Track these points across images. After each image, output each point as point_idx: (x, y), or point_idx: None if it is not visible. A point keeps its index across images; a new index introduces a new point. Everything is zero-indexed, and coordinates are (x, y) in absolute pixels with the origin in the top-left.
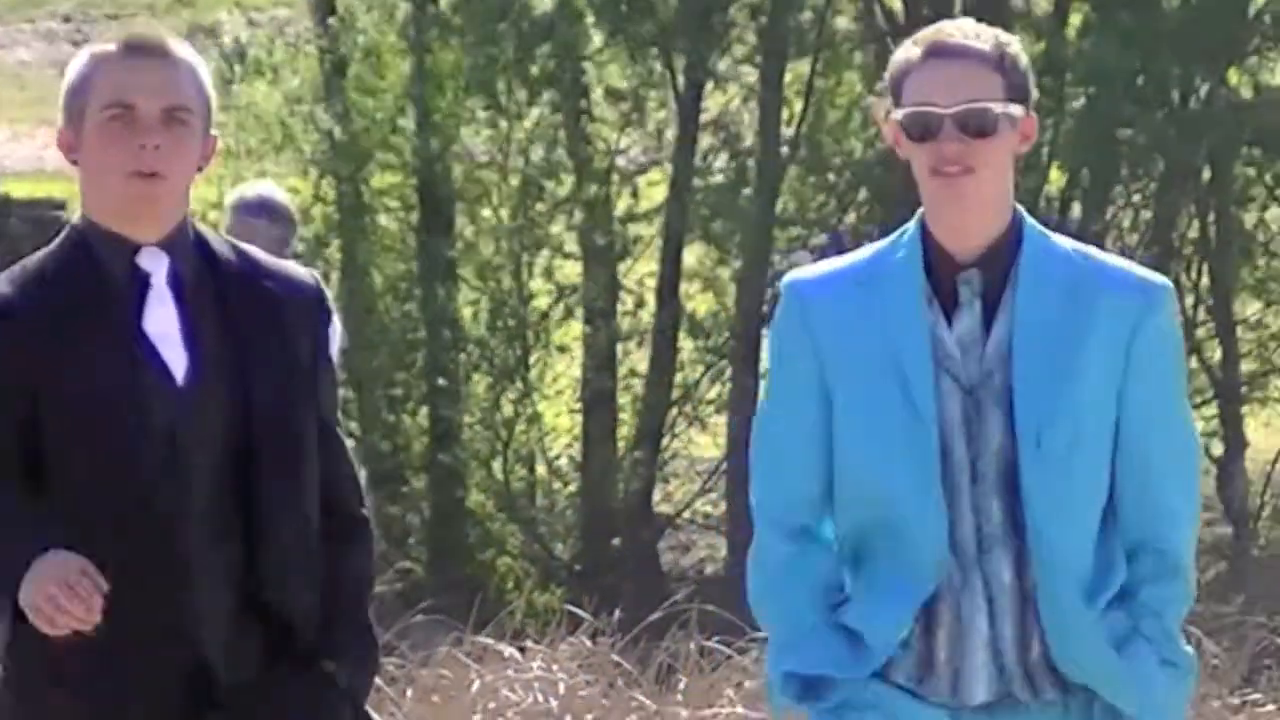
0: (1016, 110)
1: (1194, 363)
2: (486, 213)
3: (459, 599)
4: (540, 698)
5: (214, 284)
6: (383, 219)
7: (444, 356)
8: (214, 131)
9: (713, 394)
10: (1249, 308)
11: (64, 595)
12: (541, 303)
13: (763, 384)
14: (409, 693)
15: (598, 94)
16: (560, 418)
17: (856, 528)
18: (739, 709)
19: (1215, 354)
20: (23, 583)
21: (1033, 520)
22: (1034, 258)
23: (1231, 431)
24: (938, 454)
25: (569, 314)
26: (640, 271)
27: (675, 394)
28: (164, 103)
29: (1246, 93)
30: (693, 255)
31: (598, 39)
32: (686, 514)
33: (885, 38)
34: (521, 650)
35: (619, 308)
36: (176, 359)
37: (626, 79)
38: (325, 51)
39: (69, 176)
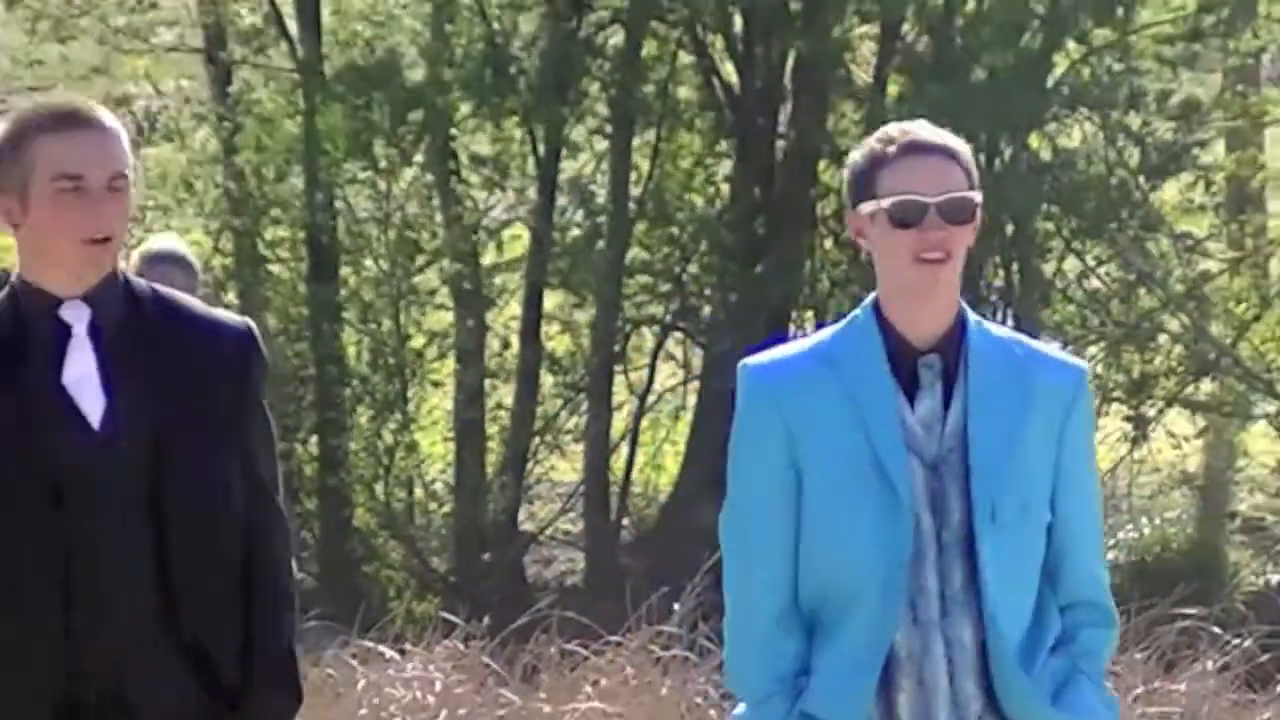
0: (979, 198)
1: None
2: (368, 263)
3: (346, 607)
4: (419, 695)
5: (136, 333)
6: (275, 268)
7: (332, 391)
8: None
9: (570, 424)
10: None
11: None
12: (417, 343)
13: (732, 468)
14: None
15: (465, 158)
16: (435, 446)
17: (820, 601)
18: (595, 704)
19: None
20: None
21: (988, 585)
22: (978, 343)
23: None
24: (913, 530)
25: (442, 354)
26: (505, 316)
27: (538, 425)
28: (109, 171)
29: (1046, 155)
30: (552, 301)
31: (465, 109)
32: (549, 531)
33: (723, 107)
34: (402, 652)
35: (486, 349)
36: (93, 405)
37: (491, 145)
38: (223, 118)
39: None
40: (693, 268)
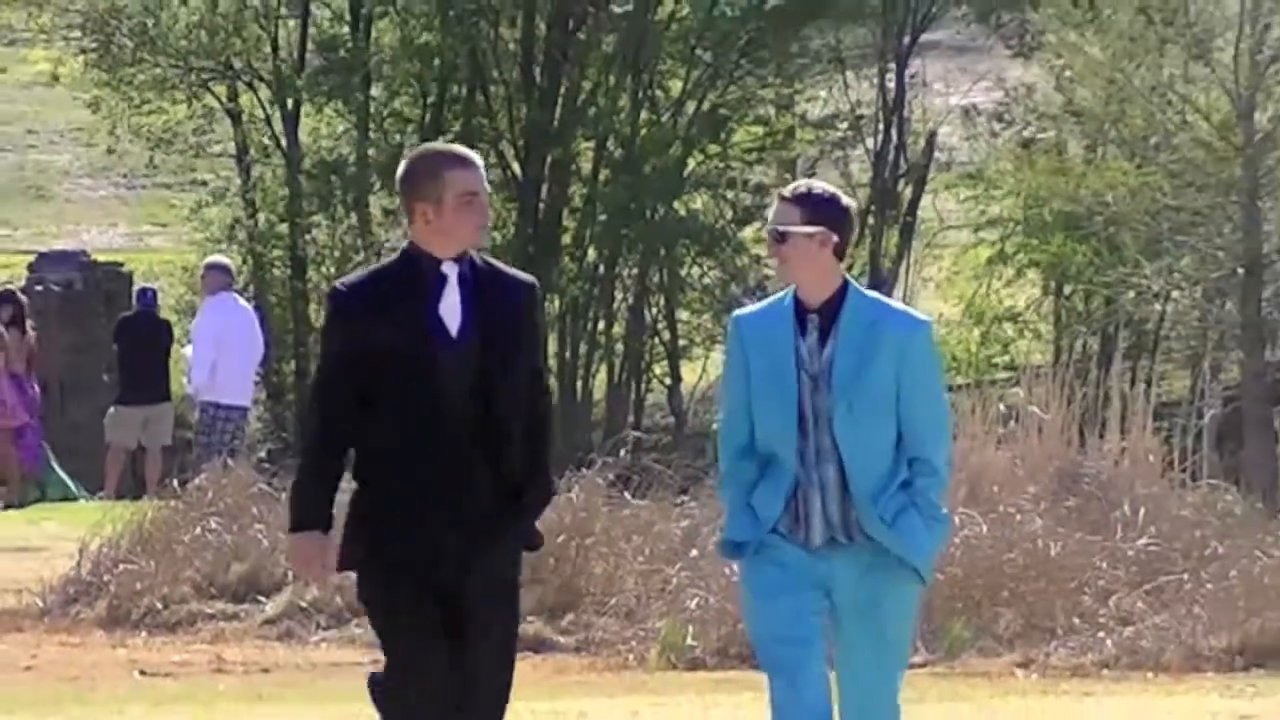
0: (810, 230)
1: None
2: None
3: None
4: None
5: (476, 281)
6: (277, 272)
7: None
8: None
9: None
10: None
11: (305, 572)
12: None
13: (723, 375)
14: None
15: None
16: None
17: (763, 448)
18: None
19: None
20: (294, 537)
21: (842, 447)
22: (852, 305)
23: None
24: (797, 412)
25: None
26: None
27: None
28: (486, 191)
29: (683, 211)
30: None
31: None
32: None
33: (510, 183)
34: None
35: None
36: (453, 322)
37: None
38: (246, 194)
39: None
40: None
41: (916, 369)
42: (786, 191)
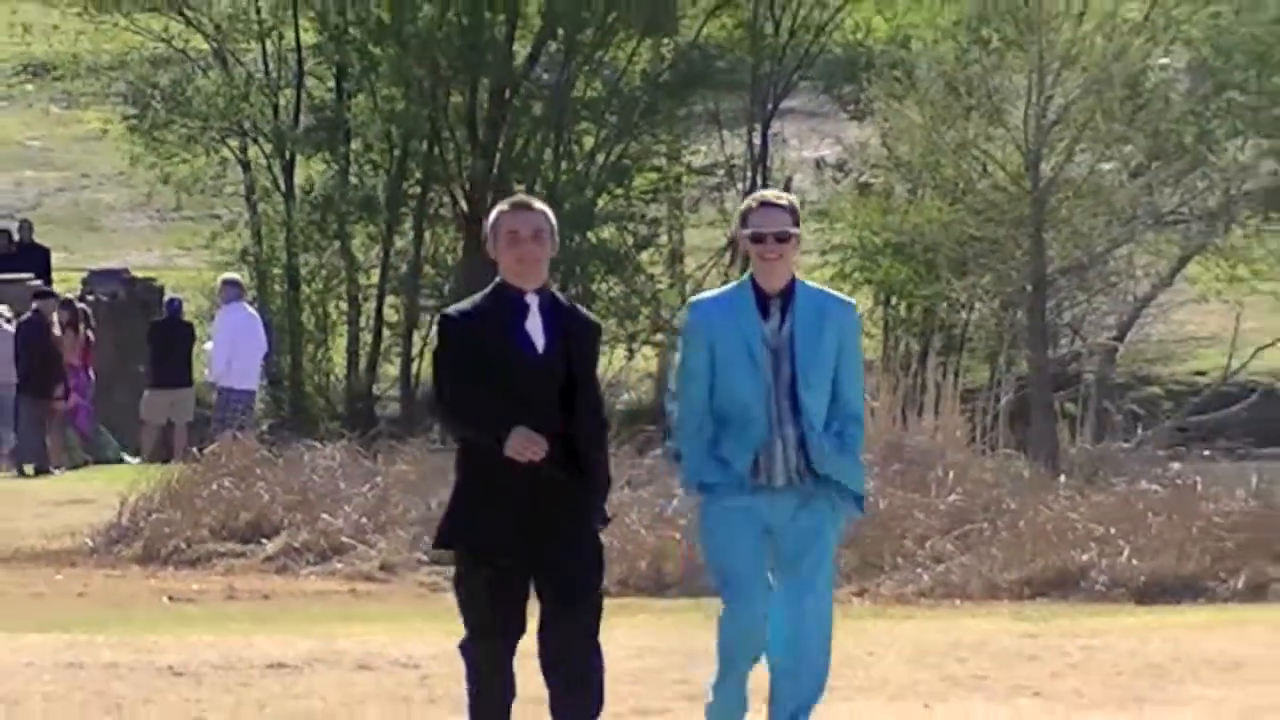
0: (797, 231)
1: None
2: None
3: None
4: None
5: (554, 310)
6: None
7: None
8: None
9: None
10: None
11: (535, 447)
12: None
13: (681, 352)
14: None
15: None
16: None
17: (724, 411)
18: None
19: None
20: (507, 437)
21: (804, 409)
22: (801, 293)
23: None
24: (764, 381)
25: None
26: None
27: None
28: (532, 229)
29: (595, 240)
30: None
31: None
32: None
33: (462, 222)
34: None
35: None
36: (539, 340)
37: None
38: (256, 231)
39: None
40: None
41: (852, 340)
42: (776, 200)
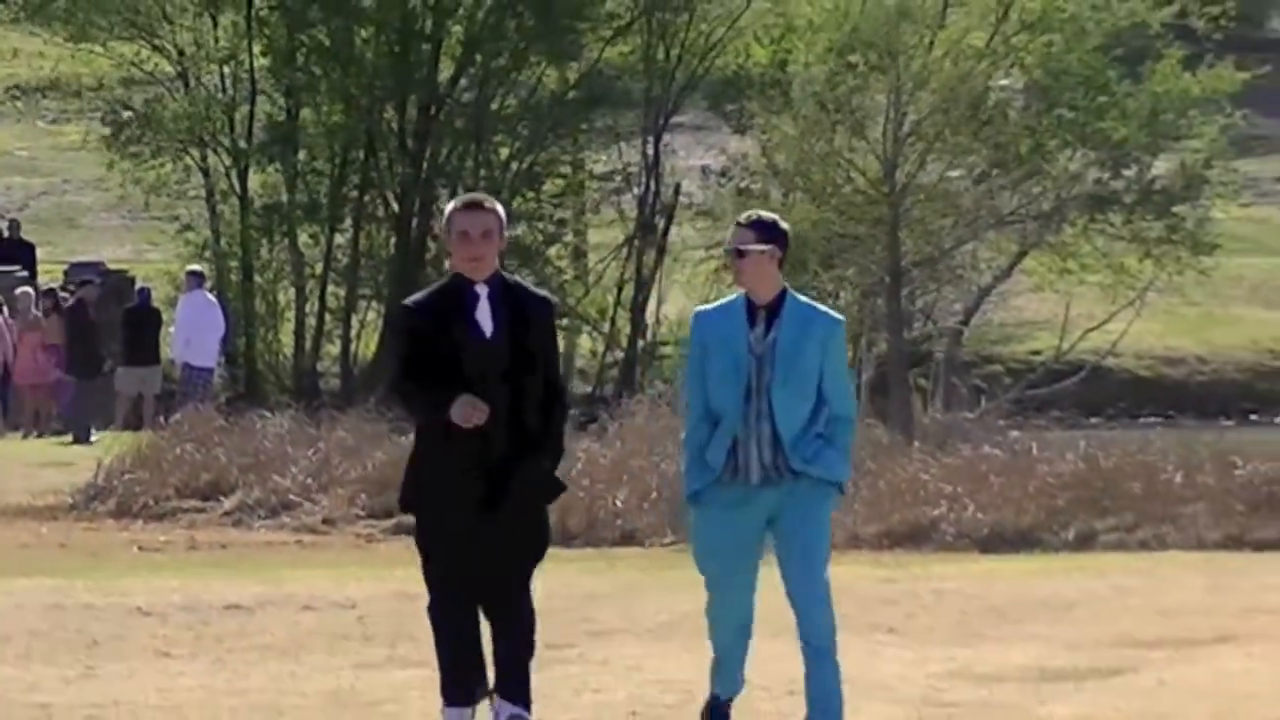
0: (764, 247)
1: None
2: None
3: None
4: None
5: (505, 297)
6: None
7: None
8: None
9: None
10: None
11: (478, 413)
12: None
13: (688, 359)
14: None
15: None
16: None
17: (715, 414)
18: None
19: None
20: (452, 405)
21: (777, 409)
22: (789, 305)
23: None
24: (745, 384)
25: None
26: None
27: None
28: (481, 230)
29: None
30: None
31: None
32: None
33: (393, 221)
34: None
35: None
36: (488, 326)
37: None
38: (216, 230)
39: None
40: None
41: (836, 355)
42: (742, 219)
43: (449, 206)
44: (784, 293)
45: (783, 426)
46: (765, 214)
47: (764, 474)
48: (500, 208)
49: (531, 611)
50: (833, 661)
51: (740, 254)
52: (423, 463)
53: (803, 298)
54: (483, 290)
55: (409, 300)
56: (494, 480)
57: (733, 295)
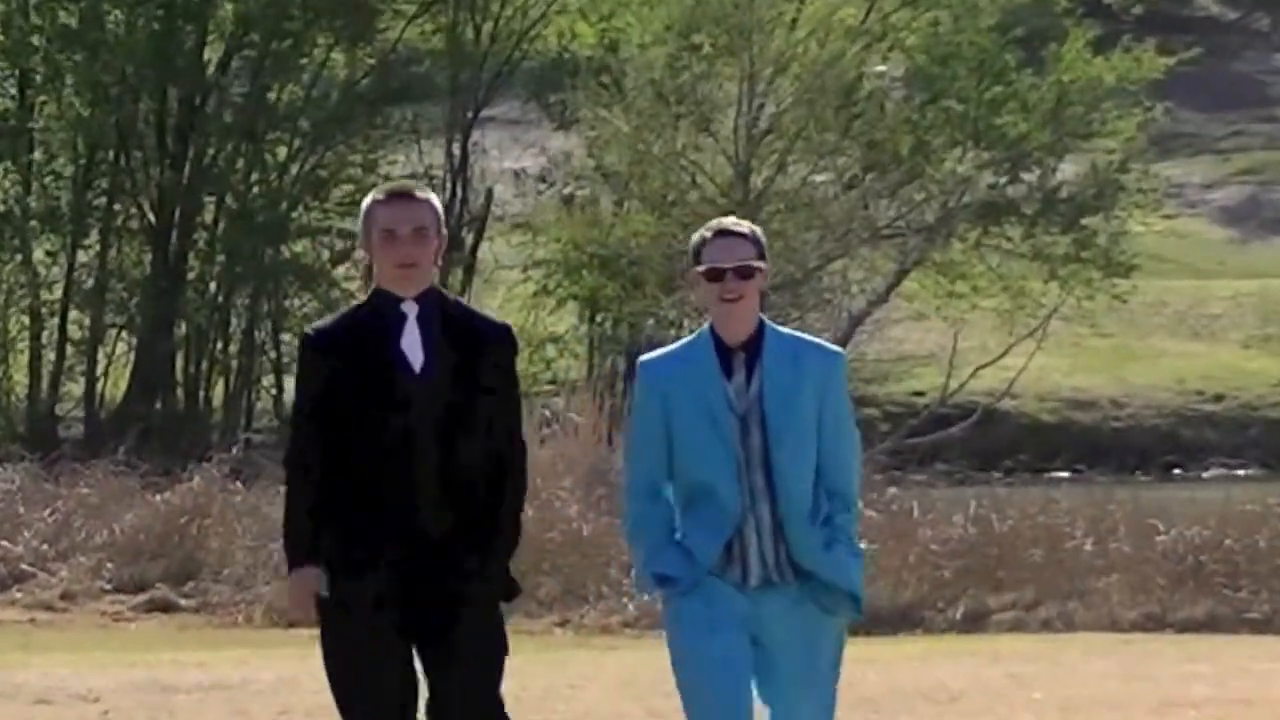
0: (763, 265)
1: None
2: None
3: None
4: None
5: (441, 320)
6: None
7: None
8: (443, 232)
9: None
10: None
11: (300, 611)
12: None
13: (632, 418)
14: None
15: None
16: None
17: (687, 491)
18: None
19: None
20: (292, 573)
21: (780, 484)
22: (770, 342)
23: None
24: (731, 454)
25: None
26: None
27: None
28: (411, 227)
29: (288, 254)
30: None
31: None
32: None
33: (152, 234)
34: None
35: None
36: (416, 359)
37: None
38: None
39: None
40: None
41: (836, 399)
42: (735, 227)
43: (366, 200)
44: (762, 326)
45: (788, 507)
46: (746, 223)
47: (764, 575)
48: (435, 198)
49: None
50: None
51: (749, 273)
52: (332, 537)
53: (784, 329)
54: (411, 310)
55: (310, 328)
56: (431, 572)
57: (690, 335)
